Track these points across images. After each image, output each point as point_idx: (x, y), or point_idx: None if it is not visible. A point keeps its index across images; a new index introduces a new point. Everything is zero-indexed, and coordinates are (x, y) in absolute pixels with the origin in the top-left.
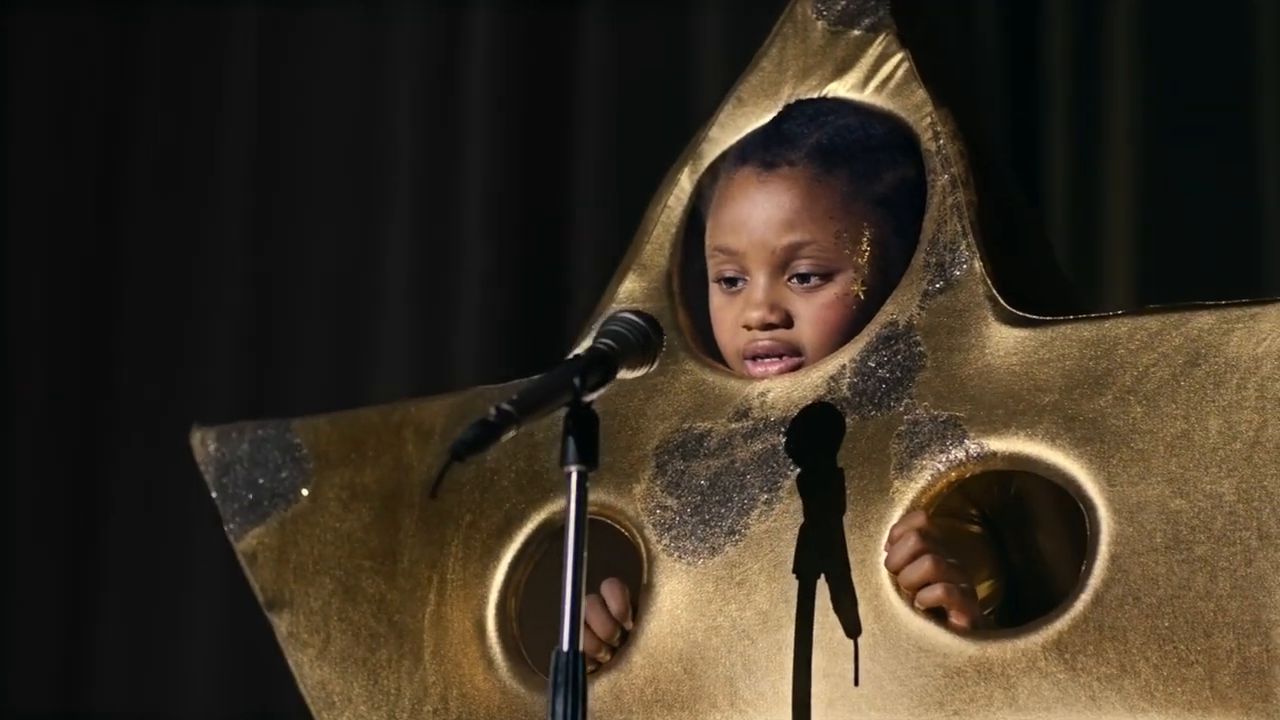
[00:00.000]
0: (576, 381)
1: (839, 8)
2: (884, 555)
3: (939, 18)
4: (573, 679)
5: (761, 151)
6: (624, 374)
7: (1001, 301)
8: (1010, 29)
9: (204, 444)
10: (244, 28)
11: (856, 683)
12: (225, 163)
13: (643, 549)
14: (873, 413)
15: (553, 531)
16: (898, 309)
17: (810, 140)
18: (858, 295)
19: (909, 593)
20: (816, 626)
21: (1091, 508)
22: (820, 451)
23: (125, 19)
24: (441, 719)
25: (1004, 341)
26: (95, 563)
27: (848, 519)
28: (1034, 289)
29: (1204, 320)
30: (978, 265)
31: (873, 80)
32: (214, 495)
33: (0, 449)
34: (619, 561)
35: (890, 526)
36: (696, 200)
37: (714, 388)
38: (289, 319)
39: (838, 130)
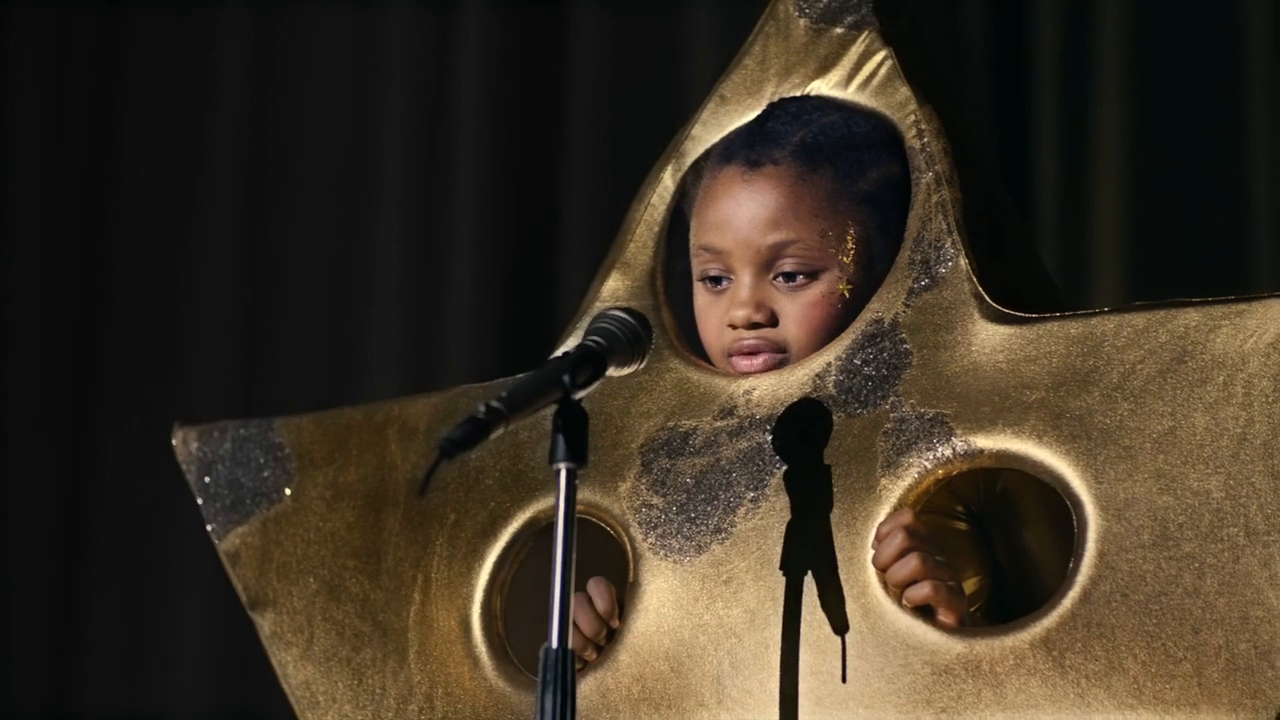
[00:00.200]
0: (566, 379)
1: (821, 5)
2: (871, 553)
3: (927, 17)
4: (562, 677)
5: (746, 150)
6: (613, 371)
7: (987, 299)
8: (999, 27)
9: (186, 443)
10: (234, 27)
11: (844, 680)
12: (215, 161)
13: (629, 547)
14: (859, 410)
15: (538, 530)
16: (883, 307)
17: (794, 139)
18: (843, 293)
19: (896, 590)
20: (804, 624)
21: (1079, 505)
22: (807, 449)
23: (115, 17)
24: (427, 718)
25: (990, 339)
26: (85, 561)
27: (834, 517)
28: (1019, 286)
29: (1190, 317)
30: (963, 263)
31: (856, 78)
32: (196, 495)
33: None
34: (605, 560)
35: (877, 524)
36: (680, 199)
37: (699, 386)
38: (280, 318)
39: (822, 128)
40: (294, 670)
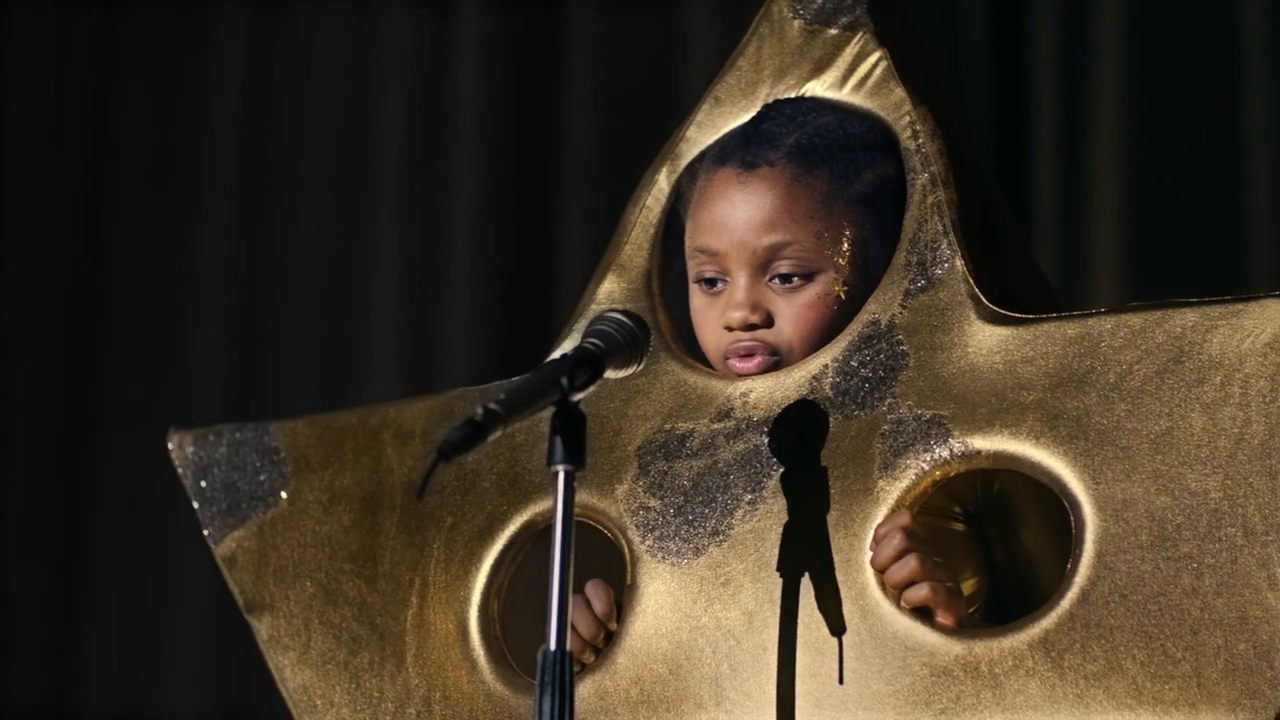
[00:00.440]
0: (564, 381)
1: (815, 6)
2: (869, 554)
3: (925, 16)
4: (560, 679)
5: (741, 152)
6: (611, 374)
7: (984, 300)
8: (997, 27)
9: (181, 447)
10: (232, 27)
11: (841, 681)
12: (213, 162)
13: (626, 550)
14: (856, 412)
15: (535, 533)
16: (880, 308)
17: (789, 140)
18: (839, 295)
19: (895, 591)
20: (802, 626)
21: (1076, 505)
22: (804, 451)
23: (113, 18)
24: None
25: (987, 340)
26: (83, 562)
27: (832, 518)
28: (1015, 287)
29: (1187, 317)
30: (959, 264)
31: (851, 79)
32: (192, 499)
33: None
34: (602, 563)
35: (875, 526)
36: (675, 200)
37: (696, 388)
38: (278, 319)
39: (817, 130)
40: (291, 674)
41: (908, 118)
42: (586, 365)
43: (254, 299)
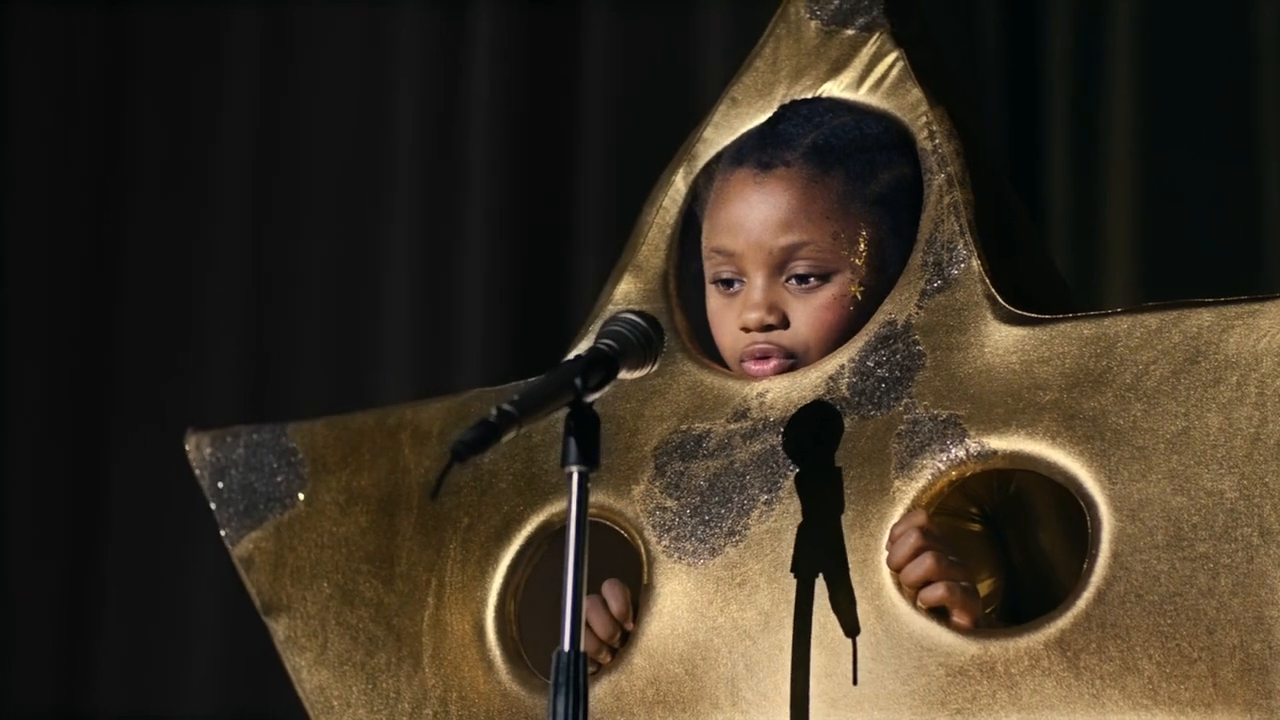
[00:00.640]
0: (578, 381)
1: (832, 7)
2: (885, 554)
3: (940, 18)
4: (574, 680)
5: (757, 152)
6: (625, 374)
7: (1000, 300)
8: (1011, 29)
9: (199, 448)
10: (245, 27)
11: (855, 682)
12: (226, 163)
13: (643, 550)
14: (872, 412)
15: (551, 534)
16: (896, 308)
17: (806, 140)
18: (855, 295)
19: (910, 591)
20: (818, 626)
21: (1093, 505)
22: (820, 451)
23: (123, 19)
24: None
25: (1003, 340)
26: (96, 565)
27: (848, 519)
28: (1031, 287)
29: (1203, 317)
30: (976, 264)
31: (867, 79)
32: (210, 500)
33: (2, 450)
34: (619, 564)
35: (891, 525)
36: (692, 201)
37: (712, 388)
38: (290, 321)
39: (833, 130)
40: (308, 675)
41: (924, 118)
42: (600, 366)
43: (266, 301)
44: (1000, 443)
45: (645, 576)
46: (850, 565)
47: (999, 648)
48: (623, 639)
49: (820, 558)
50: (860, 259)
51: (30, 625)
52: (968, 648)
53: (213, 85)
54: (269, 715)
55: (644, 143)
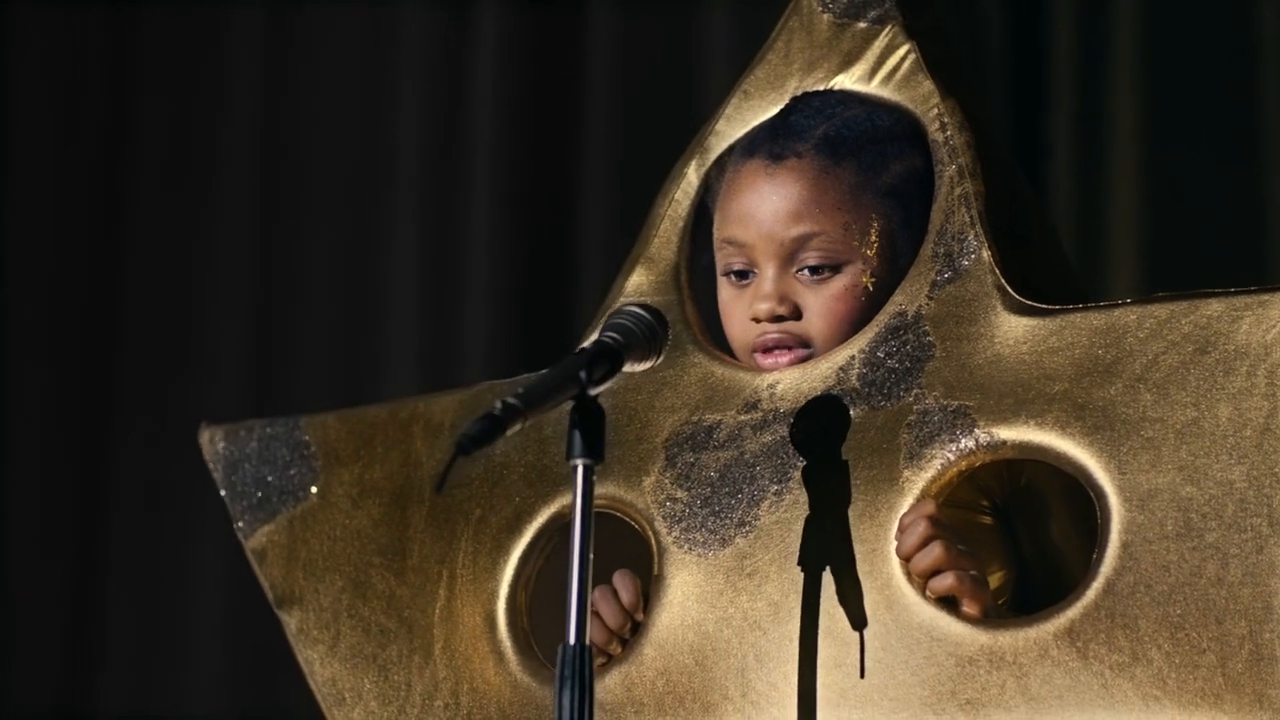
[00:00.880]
0: (582, 375)
1: (845, 0)
2: (894, 544)
3: (944, 17)
4: (579, 673)
5: (769, 144)
6: (630, 367)
7: (1010, 291)
8: (1016, 28)
9: (212, 442)
10: (248, 25)
11: (862, 675)
12: (230, 160)
13: (653, 541)
14: (882, 403)
15: (563, 525)
16: (906, 299)
17: (817, 132)
18: (866, 286)
19: (920, 581)
20: (828, 617)
21: (1102, 496)
22: (830, 442)
23: (128, 16)
24: (452, 714)
25: (1013, 331)
26: (100, 561)
27: (858, 509)
28: (1042, 278)
29: (1213, 307)
30: (986, 255)
31: (879, 72)
32: (223, 493)
33: (5, 447)
34: (629, 555)
35: (900, 515)
36: (704, 193)
37: (723, 380)
38: (294, 319)
39: (845, 122)
40: (320, 667)
41: (936, 110)
42: (605, 359)
43: (270, 298)
44: (1010, 433)
45: (656, 567)
46: (860, 555)
47: (1009, 638)
48: (633, 630)
49: (829, 549)
50: (871, 250)
51: (33, 624)
52: (977, 638)
53: (216, 84)
54: (271, 715)
55: (648, 142)
